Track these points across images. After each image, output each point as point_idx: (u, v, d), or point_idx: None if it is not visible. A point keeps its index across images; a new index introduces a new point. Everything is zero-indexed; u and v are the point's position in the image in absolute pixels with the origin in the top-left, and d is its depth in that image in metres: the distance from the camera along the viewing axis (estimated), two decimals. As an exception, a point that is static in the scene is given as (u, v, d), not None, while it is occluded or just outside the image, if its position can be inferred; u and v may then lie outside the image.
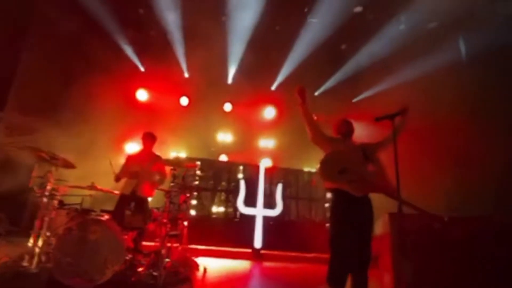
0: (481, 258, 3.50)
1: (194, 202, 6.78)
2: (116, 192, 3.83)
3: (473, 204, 4.11)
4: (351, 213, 2.73)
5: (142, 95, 7.36)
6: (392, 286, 3.69)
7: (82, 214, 2.98)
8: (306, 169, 7.41)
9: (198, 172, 6.94)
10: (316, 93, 8.01)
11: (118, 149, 6.35)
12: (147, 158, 4.04)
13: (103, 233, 2.73)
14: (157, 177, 3.84)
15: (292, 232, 6.19)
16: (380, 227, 4.30)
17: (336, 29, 6.21)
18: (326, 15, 6.10)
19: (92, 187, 3.45)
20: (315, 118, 3.02)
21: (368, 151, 2.92)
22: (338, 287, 2.68)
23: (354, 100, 7.60)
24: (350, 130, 3.02)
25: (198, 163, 6.19)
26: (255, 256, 5.75)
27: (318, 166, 2.86)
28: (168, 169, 3.87)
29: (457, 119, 4.77)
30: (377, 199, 2.94)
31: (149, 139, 4.15)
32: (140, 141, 4.21)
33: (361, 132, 3.52)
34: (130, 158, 4.14)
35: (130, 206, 3.29)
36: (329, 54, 6.92)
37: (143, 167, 3.85)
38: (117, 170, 3.89)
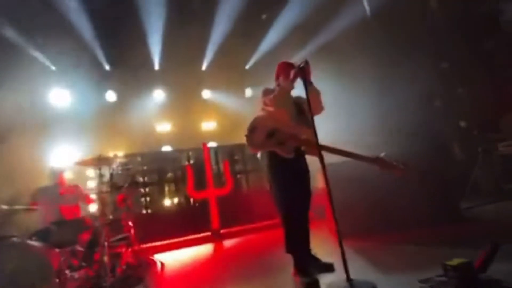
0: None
1: (143, 199, 6.53)
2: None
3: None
4: (289, 170, 2.61)
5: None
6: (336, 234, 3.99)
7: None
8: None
9: (143, 168, 6.59)
10: (247, 67, 7.96)
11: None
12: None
13: (23, 258, 2.46)
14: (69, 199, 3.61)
15: (246, 205, 6.28)
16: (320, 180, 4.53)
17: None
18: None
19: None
20: None
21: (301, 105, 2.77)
22: (305, 250, 2.65)
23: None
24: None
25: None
26: (215, 237, 5.77)
27: (245, 135, 2.68)
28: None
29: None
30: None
31: None
32: None
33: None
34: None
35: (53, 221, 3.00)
36: (251, 26, 6.83)
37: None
38: None
